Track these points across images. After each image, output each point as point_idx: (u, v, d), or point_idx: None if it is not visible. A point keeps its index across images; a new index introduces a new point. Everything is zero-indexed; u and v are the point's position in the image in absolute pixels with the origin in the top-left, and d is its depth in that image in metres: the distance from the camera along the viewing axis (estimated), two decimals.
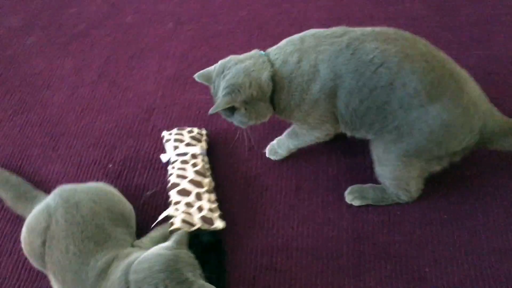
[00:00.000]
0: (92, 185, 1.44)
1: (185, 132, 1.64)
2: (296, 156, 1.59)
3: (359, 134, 1.42)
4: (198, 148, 1.58)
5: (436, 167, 1.39)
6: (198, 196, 1.44)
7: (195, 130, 1.65)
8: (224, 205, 1.48)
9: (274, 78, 1.36)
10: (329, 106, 1.37)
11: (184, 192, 1.44)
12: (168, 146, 1.61)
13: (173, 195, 1.46)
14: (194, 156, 1.55)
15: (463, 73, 1.35)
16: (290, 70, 1.35)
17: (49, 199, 1.34)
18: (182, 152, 1.56)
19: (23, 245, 1.34)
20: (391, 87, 1.28)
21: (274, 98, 1.39)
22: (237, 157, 1.63)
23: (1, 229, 1.52)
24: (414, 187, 1.42)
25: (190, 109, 1.78)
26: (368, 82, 1.29)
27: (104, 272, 1.18)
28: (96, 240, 1.24)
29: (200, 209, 1.40)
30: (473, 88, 1.34)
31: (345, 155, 1.59)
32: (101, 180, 1.58)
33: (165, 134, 1.66)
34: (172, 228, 1.34)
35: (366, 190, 1.47)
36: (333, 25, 1.40)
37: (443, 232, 1.39)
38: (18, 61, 2.04)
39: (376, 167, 1.43)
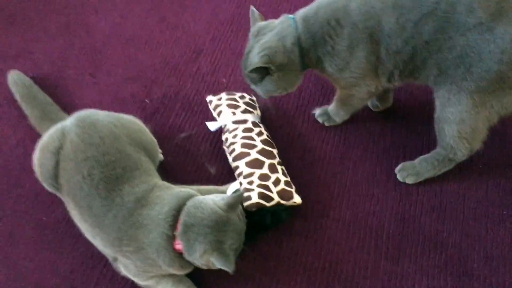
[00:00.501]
0: (113, 113, 1.32)
1: (237, 97, 1.48)
2: (346, 122, 1.46)
3: (417, 81, 1.27)
4: (256, 116, 1.44)
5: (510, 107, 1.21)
6: (272, 168, 1.29)
7: (246, 96, 1.50)
8: None
9: (299, 41, 1.25)
10: (365, 54, 1.22)
11: (256, 163, 1.29)
12: (221, 112, 1.45)
13: (242, 166, 1.30)
14: (255, 124, 1.40)
15: None
16: (312, 25, 1.24)
17: (67, 121, 1.25)
18: (240, 119, 1.41)
19: (35, 166, 1.25)
20: (436, 11, 1.13)
21: (305, 60, 1.28)
22: (281, 114, 1.50)
23: (27, 147, 1.45)
24: (478, 136, 1.25)
25: (239, 57, 1.65)
26: (410, 14, 1.15)
27: (144, 199, 1.12)
28: (123, 166, 1.14)
29: (277, 182, 1.26)
30: None
31: (402, 128, 1.44)
32: (135, 114, 1.49)
33: (212, 99, 1.50)
34: (248, 203, 1.20)
35: (418, 165, 1.33)
36: None
37: (500, 229, 1.25)
38: None
39: (438, 113, 1.25)
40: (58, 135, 1.20)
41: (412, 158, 1.37)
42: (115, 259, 1.17)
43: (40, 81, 1.61)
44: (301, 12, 1.30)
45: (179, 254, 1.10)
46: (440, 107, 1.24)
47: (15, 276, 1.23)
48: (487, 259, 1.20)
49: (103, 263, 1.23)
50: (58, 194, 1.23)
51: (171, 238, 1.09)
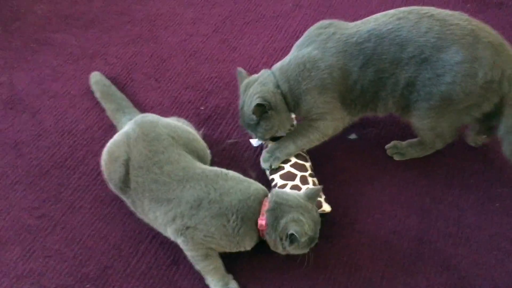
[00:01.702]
0: (170, 120, 1.50)
1: None
2: (377, 149, 1.61)
3: (377, 112, 1.53)
4: None
5: (466, 118, 1.47)
6: (304, 180, 1.44)
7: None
8: None
9: (279, 86, 1.49)
10: (329, 92, 1.47)
11: (289, 176, 1.45)
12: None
13: (277, 178, 1.47)
14: None
15: (481, 25, 1.44)
16: (286, 71, 1.49)
17: (129, 129, 1.41)
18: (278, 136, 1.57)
19: (103, 169, 1.42)
20: (374, 55, 1.42)
21: (286, 101, 1.50)
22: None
23: (94, 133, 1.65)
24: (450, 134, 1.52)
25: None
26: (356, 60, 1.43)
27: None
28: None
29: None
30: (493, 36, 1.42)
31: (427, 160, 1.59)
32: (190, 119, 1.68)
33: None
34: None
35: (405, 147, 1.58)
36: None
37: (509, 263, 1.35)
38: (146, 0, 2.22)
39: (413, 125, 1.52)
40: (125, 148, 1.37)
41: (430, 186, 1.51)
42: (181, 231, 1.29)
43: (111, 80, 1.83)
44: (277, 64, 1.55)
45: (255, 228, 1.29)
46: (413, 122, 1.52)
47: (72, 239, 1.40)
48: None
49: (149, 239, 1.39)
50: (121, 195, 1.39)
51: (257, 213, 1.28)
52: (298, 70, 1.47)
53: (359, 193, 1.52)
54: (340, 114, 1.51)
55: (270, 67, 1.89)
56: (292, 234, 1.23)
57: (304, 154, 1.54)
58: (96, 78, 1.77)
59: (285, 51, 1.97)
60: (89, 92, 1.78)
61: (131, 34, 2.04)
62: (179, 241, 1.30)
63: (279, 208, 1.27)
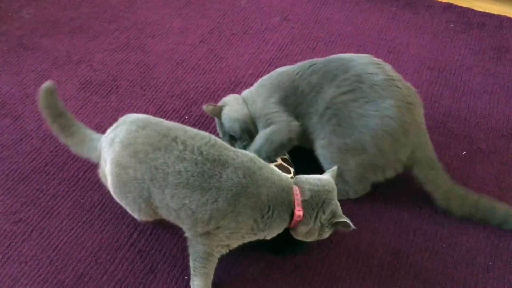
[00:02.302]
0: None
1: None
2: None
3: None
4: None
5: (372, 175, 1.49)
6: None
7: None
8: None
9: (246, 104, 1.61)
10: (275, 100, 1.56)
11: None
12: None
13: None
14: None
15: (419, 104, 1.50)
16: (250, 91, 1.64)
17: (123, 131, 1.24)
18: None
19: (114, 185, 1.26)
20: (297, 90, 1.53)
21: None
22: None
23: None
24: (354, 184, 1.51)
25: None
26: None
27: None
28: None
29: None
30: (419, 115, 1.49)
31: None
32: None
33: None
34: None
35: None
36: None
37: (484, 278, 1.36)
38: (135, 8, 2.23)
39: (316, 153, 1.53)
40: (134, 158, 1.20)
41: (409, 201, 1.53)
42: (210, 230, 1.21)
43: (96, 86, 1.83)
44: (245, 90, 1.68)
45: (287, 219, 1.23)
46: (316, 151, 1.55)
47: (48, 245, 1.38)
48: None
49: (127, 246, 1.38)
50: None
51: (291, 204, 1.23)
52: (259, 89, 1.61)
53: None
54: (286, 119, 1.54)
55: (256, 78, 1.94)
56: (344, 221, 1.24)
57: (290, 161, 1.55)
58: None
59: (271, 63, 1.99)
60: (73, 98, 1.78)
61: (118, 42, 2.05)
62: (199, 238, 1.23)
63: (318, 196, 1.24)
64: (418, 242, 1.44)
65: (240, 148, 1.56)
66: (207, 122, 1.74)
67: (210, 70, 1.96)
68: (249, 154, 1.26)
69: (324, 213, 1.25)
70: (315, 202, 1.25)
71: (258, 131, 1.56)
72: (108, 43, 2.04)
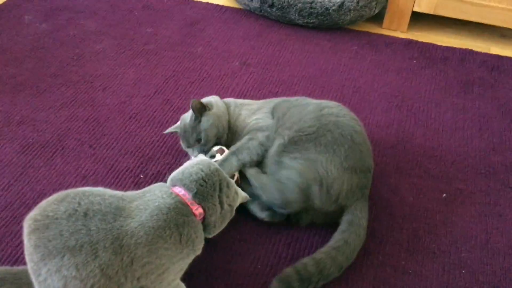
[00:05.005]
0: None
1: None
2: None
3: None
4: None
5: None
6: None
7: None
8: None
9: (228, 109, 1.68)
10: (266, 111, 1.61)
11: None
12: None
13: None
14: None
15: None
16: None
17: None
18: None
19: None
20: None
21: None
22: None
23: (14, 212, 1.45)
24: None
25: None
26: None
27: None
28: None
29: None
30: None
31: None
32: (128, 188, 1.51)
33: None
34: None
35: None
36: None
37: None
38: (83, 60, 2.08)
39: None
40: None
41: (391, 255, 1.39)
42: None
43: (39, 148, 1.65)
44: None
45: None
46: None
47: None
48: None
49: None
50: None
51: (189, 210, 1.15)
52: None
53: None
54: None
55: None
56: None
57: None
58: None
59: None
60: (12, 164, 1.59)
61: (65, 97, 1.88)
62: None
63: (209, 180, 1.17)
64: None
65: (197, 151, 1.55)
66: (165, 181, 1.58)
67: (167, 121, 1.81)
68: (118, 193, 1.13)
69: (228, 196, 1.19)
70: (210, 186, 1.17)
71: (232, 137, 1.59)
72: (53, 99, 1.87)
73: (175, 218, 1.09)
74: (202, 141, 1.55)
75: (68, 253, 0.98)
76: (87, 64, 2.07)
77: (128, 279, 1.01)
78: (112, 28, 2.31)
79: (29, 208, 1.42)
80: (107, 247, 1.00)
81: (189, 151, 1.60)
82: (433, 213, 1.52)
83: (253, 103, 1.68)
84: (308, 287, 1.24)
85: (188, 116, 1.60)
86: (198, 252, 1.16)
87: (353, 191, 1.38)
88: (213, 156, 1.53)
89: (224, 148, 1.53)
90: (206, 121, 1.55)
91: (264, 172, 1.48)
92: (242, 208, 1.43)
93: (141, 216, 1.07)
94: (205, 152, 1.53)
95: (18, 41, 2.17)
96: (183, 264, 1.14)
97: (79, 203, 1.06)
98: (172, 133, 1.69)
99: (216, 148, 1.54)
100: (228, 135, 1.60)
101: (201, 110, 1.56)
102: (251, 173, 1.45)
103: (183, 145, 1.62)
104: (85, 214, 1.04)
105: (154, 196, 1.13)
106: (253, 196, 1.42)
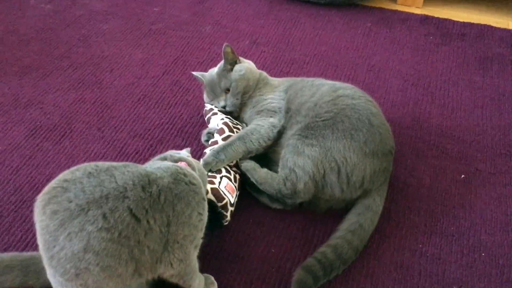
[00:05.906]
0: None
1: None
2: None
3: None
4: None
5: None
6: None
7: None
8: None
9: None
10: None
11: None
12: (215, 119, 1.53)
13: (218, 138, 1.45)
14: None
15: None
16: None
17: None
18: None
19: None
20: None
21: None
22: None
23: (24, 196, 1.43)
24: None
25: None
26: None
27: None
28: None
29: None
30: None
31: None
32: None
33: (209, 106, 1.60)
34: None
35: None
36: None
37: None
38: (90, 41, 2.04)
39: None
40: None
41: (409, 238, 1.35)
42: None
43: (47, 131, 1.62)
44: None
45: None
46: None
47: None
48: None
49: None
50: None
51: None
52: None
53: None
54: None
55: None
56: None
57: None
58: None
59: None
60: (21, 147, 1.57)
61: (72, 79, 1.85)
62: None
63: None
64: (424, 285, 1.25)
65: (222, 102, 1.53)
66: None
67: (175, 103, 1.77)
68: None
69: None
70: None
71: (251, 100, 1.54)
72: (60, 82, 1.83)
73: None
74: (231, 91, 1.50)
75: (93, 206, 0.95)
76: (93, 45, 2.02)
77: (157, 221, 0.99)
78: (119, 8, 2.26)
79: (38, 192, 1.39)
80: (136, 184, 0.99)
81: (214, 102, 1.57)
82: (451, 195, 1.47)
83: (276, 80, 1.63)
84: (331, 273, 1.21)
85: (216, 68, 1.58)
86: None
87: (377, 175, 1.34)
88: (211, 134, 1.50)
89: (225, 128, 1.47)
90: (238, 70, 1.52)
91: (269, 158, 1.44)
92: (255, 191, 1.40)
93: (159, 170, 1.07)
94: (229, 103, 1.51)
95: (23, 22, 2.14)
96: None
97: (97, 165, 1.03)
98: (182, 114, 1.65)
99: (219, 123, 1.48)
100: (246, 98, 1.54)
101: (233, 58, 1.54)
102: (247, 168, 1.40)
103: (207, 98, 1.59)
104: (107, 169, 1.01)
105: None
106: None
